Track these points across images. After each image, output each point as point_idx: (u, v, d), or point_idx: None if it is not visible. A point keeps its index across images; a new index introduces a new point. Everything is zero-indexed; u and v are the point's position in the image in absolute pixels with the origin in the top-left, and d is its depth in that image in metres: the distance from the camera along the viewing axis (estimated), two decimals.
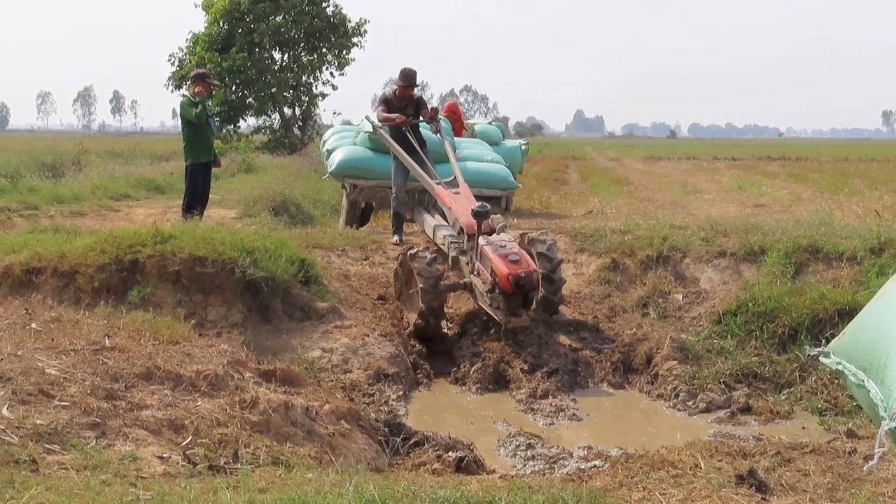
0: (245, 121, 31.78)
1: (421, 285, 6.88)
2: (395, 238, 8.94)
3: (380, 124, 8.97)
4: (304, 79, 31.28)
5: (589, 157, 40.87)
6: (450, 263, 7.49)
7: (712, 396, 6.09)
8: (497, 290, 6.73)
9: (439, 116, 9.14)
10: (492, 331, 7.03)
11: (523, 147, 14.96)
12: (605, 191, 19.60)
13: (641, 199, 17.23)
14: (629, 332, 7.02)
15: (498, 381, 6.48)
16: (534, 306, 7.16)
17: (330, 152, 10.57)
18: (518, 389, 6.30)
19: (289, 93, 31.34)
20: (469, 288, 7.22)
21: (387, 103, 8.99)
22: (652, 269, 8.08)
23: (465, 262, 7.44)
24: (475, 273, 7.11)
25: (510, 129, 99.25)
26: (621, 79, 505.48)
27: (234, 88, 29.63)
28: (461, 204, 7.70)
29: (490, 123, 14.88)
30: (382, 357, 6.34)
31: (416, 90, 9.04)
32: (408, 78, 8.89)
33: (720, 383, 6.22)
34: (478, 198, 8.01)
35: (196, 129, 9.37)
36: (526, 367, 6.52)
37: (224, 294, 6.53)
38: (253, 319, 6.56)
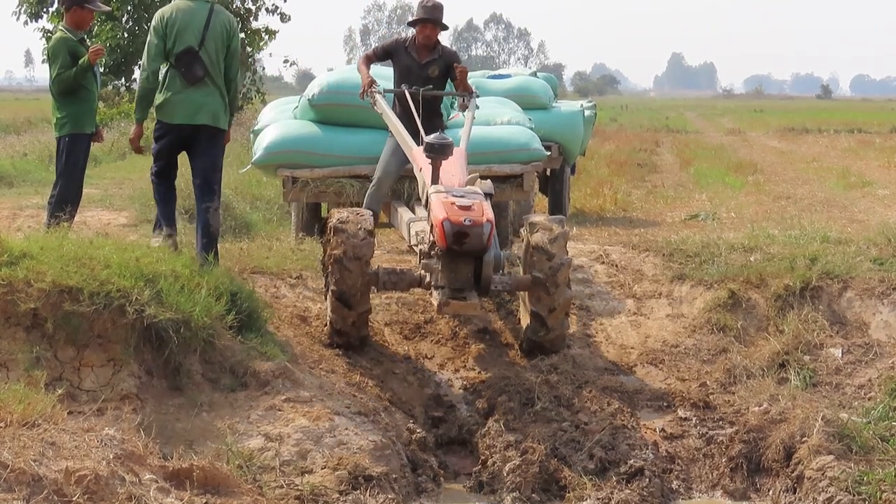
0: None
1: (337, 253, 7.38)
2: None
3: (379, 90, 8.85)
4: (236, 4, 31.51)
5: (692, 129, 40.85)
6: (419, 263, 7.73)
7: None
8: (434, 253, 7.15)
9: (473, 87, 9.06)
10: (537, 406, 7.05)
11: (587, 112, 14.90)
12: (717, 182, 19.59)
13: (776, 197, 17.21)
14: (757, 409, 7.01)
15: (547, 489, 6.48)
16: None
17: (258, 133, 10.69)
18: (580, 501, 6.30)
19: None
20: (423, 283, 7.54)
21: (383, 55, 8.97)
22: (794, 309, 8.08)
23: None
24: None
25: (566, 85, 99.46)
26: (742, 5, 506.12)
27: (125, 19, 29.81)
28: (441, 167, 7.90)
29: (533, 75, 14.92)
30: (362, 449, 6.34)
31: (440, 34, 8.87)
32: (428, 10, 8.72)
33: None
34: (483, 178, 8.18)
35: (78, 83, 9.46)
36: (592, 466, 6.53)
37: (108, 347, 6.54)
38: (155, 388, 6.57)
